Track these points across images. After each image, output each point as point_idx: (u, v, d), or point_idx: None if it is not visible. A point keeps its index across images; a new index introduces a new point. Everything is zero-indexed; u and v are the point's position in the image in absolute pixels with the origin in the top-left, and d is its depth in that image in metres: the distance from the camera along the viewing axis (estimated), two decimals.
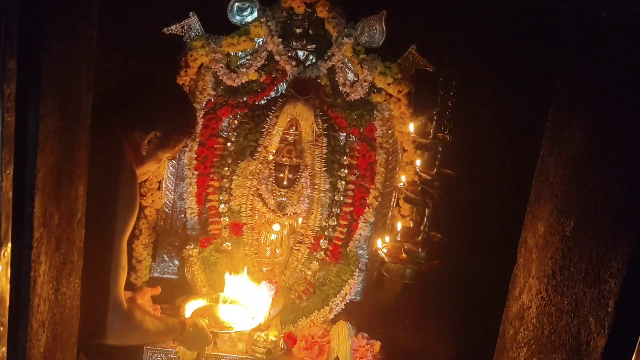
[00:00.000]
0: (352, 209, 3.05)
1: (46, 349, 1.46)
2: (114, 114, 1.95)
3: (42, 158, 1.27)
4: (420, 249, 2.52)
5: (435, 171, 2.54)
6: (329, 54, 2.85)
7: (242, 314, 2.57)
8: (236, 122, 2.97)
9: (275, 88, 2.95)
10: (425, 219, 2.53)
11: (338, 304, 3.01)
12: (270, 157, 2.94)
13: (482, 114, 2.93)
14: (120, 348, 2.19)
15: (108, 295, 1.91)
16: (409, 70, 2.85)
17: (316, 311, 2.99)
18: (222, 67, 2.82)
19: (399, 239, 2.70)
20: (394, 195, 3.04)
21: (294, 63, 2.87)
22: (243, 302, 2.61)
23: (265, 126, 2.91)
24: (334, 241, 3.06)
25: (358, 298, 3.15)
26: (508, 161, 2.97)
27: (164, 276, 3.10)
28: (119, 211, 1.91)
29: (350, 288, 3.02)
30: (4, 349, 1.27)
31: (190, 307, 2.52)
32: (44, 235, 1.34)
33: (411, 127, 2.75)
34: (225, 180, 3.00)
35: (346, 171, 3.01)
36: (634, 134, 1.63)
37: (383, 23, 2.79)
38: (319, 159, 2.96)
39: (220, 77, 2.84)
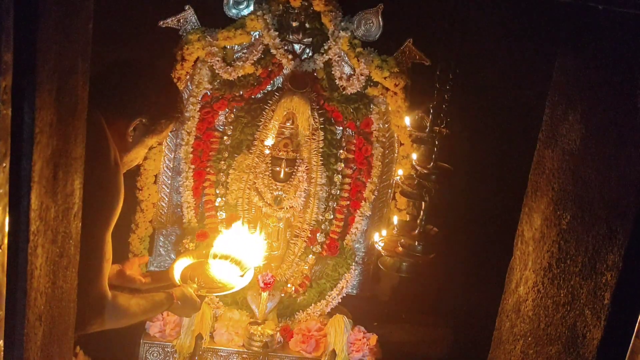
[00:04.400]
0: (348, 202, 3.05)
1: (43, 342, 1.46)
2: (96, 102, 1.84)
3: (38, 151, 1.26)
4: (416, 243, 2.51)
5: (431, 165, 2.53)
6: (325, 47, 2.85)
7: (232, 271, 2.48)
8: (232, 115, 2.96)
9: (271, 82, 2.95)
10: (421, 212, 2.53)
11: (334, 297, 3.01)
12: (267, 151, 2.94)
13: (479, 108, 2.93)
14: (116, 342, 2.19)
15: (92, 287, 1.88)
16: (406, 63, 2.85)
17: (313, 305, 3.00)
18: (218, 60, 2.81)
19: (395, 232, 2.69)
20: (390, 189, 3.04)
21: (290, 56, 2.87)
22: (233, 256, 2.51)
23: (262, 120, 2.91)
24: (331, 235, 3.06)
25: (354, 292, 3.16)
26: (505, 154, 2.97)
27: (161, 270, 3.10)
28: (102, 203, 1.88)
29: (347, 282, 3.02)
30: (1, 342, 1.27)
31: (179, 266, 2.43)
32: (41, 229, 1.34)
33: (407, 120, 2.75)
34: (221, 174, 2.99)
35: (343, 165, 3.01)
36: (631, 126, 1.63)
37: (379, 16, 2.79)
38: (315, 152, 2.96)
39: (217, 71, 2.83)
